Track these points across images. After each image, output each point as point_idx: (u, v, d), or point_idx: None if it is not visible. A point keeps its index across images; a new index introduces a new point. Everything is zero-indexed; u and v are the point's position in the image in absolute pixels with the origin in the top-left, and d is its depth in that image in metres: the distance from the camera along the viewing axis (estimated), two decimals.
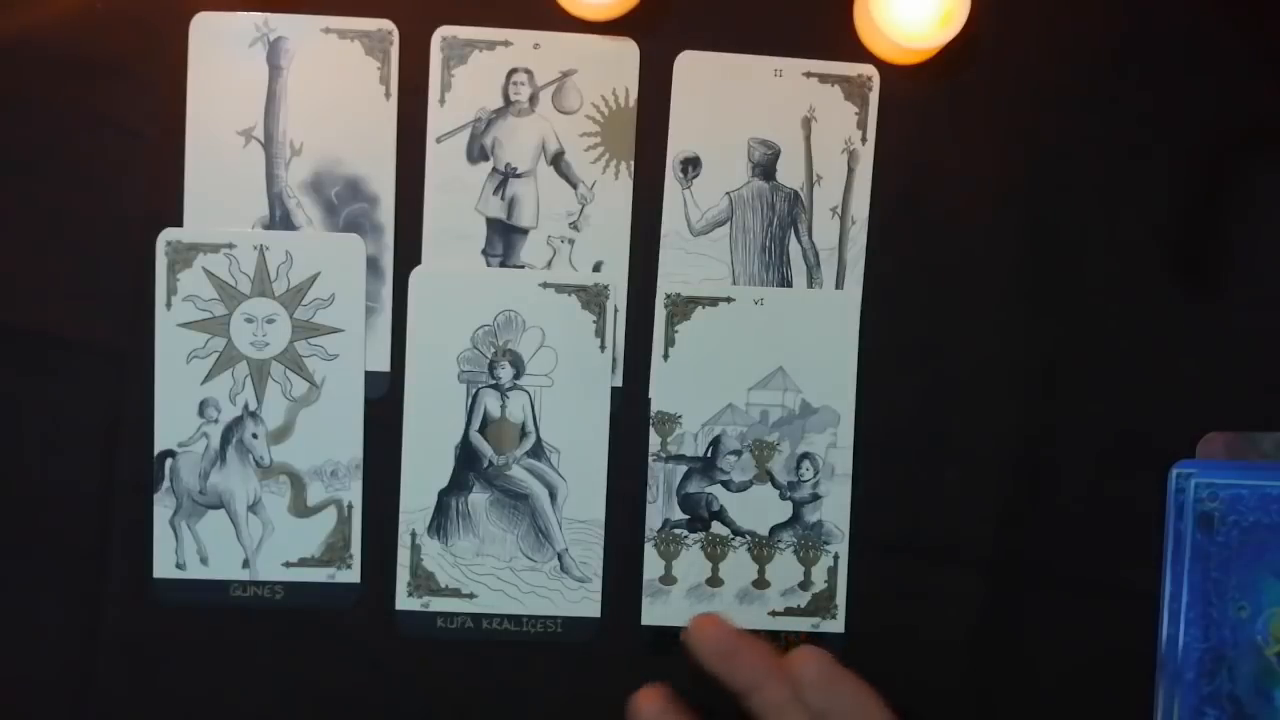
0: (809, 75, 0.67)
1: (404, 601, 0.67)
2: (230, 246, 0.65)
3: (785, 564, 0.68)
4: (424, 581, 0.67)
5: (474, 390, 0.67)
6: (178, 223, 0.65)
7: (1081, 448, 0.68)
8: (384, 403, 0.66)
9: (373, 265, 0.66)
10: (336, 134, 0.66)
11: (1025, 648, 0.68)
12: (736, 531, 0.68)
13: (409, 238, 0.66)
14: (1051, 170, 0.68)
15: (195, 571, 0.66)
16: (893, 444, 0.68)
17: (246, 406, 0.66)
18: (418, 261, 0.66)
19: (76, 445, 0.66)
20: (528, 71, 0.66)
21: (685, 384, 0.67)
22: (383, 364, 0.66)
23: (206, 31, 0.65)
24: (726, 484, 0.68)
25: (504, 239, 0.67)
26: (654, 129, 0.67)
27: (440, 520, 0.67)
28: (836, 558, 0.68)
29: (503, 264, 0.67)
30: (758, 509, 0.68)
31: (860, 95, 0.67)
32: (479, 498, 0.67)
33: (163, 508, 0.66)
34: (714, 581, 0.68)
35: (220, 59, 0.65)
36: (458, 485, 0.67)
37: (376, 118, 0.66)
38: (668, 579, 0.67)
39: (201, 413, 0.66)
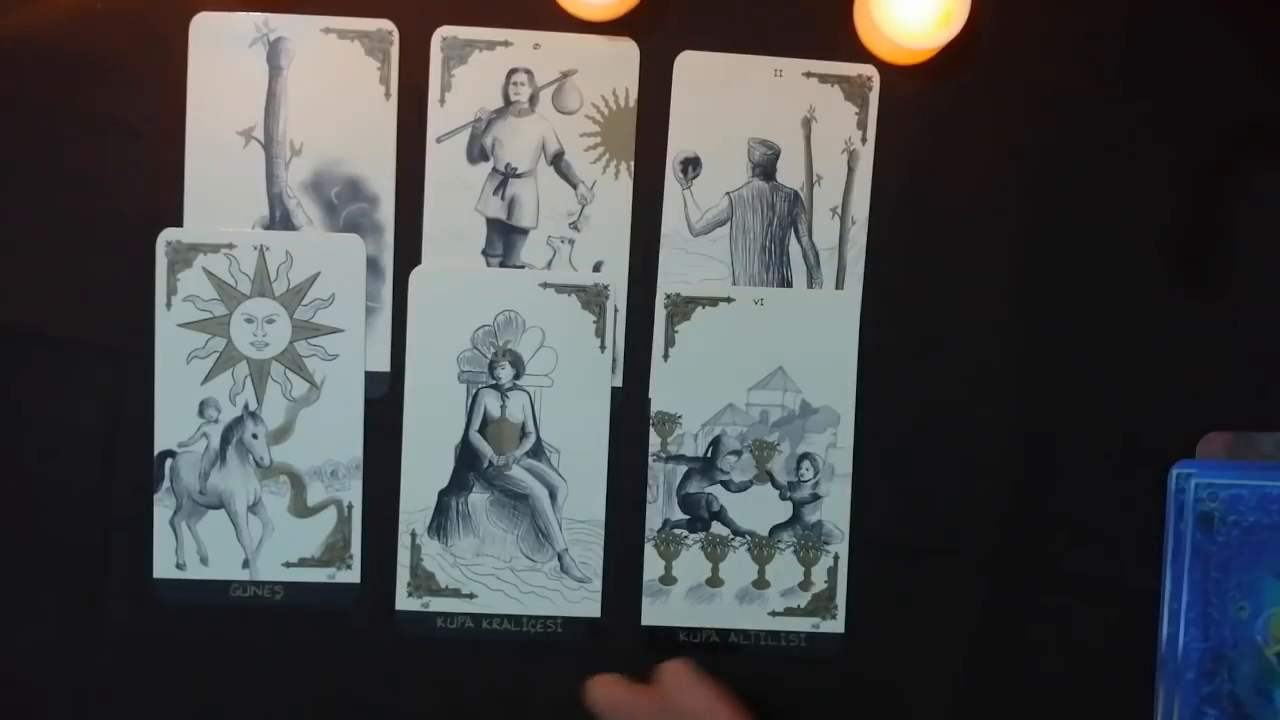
0: (809, 75, 0.67)
1: (404, 601, 0.67)
2: (230, 246, 0.65)
3: (785, 564, 0.68)
4: (424, 581, 0.67)
5: (474, 390, 0.67)
6: (178, 223, 0.65)
7: (1081, 447, 0.68)
8: (384, 403, 0.66)
9: (373, 265, 0.66)
10: (336, 134, 0.66)
11: (1025, 648, 0.68)
12: (736, 531, 0.68)
13: (409, 238, 0.66)
14: (1051, 170, 0.68)
15: (195, 571, 0.66)
16: (893, 444, 0.68)
17: (246, 406, 0.66)
18: (418, 261, 0.66)
19: (76, 445, 0.66)
20: (528, 71, 0.66)
21: (685, 384, 0.67)
22: (383, 364, 0.66)
23: (206, 31, 0.65)
24: (726, 484, 0.68)
25: (504, 239, 0.67)
26: (654, 129, 0.67)
27: (440, 520, 0.67)
28: (836, 558, 0.68)
29: (503, 264, 0.67)
30: (758, 509, 0.68)
31: (860, 95, 0.67)
32: (479, 498, 0.67)
33: (163, 508, 0.66)
34: (714, 581, 0.68)
35: (220, 59, 0.65)
36: (458, 485, 0.67)
37: (376, 118, 0.66)
38: (668, 579, 0.67)
39: (201, 413, 0.66)
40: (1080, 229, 0.68)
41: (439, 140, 0.66)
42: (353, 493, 0.66)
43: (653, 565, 0.67)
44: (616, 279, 0.67)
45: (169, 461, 0.66)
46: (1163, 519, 0.68)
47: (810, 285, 0.68)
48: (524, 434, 0.67)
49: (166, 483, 0.66)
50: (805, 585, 0.68)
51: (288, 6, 0.65)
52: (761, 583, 0.68)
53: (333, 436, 0.66)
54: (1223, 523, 0.67)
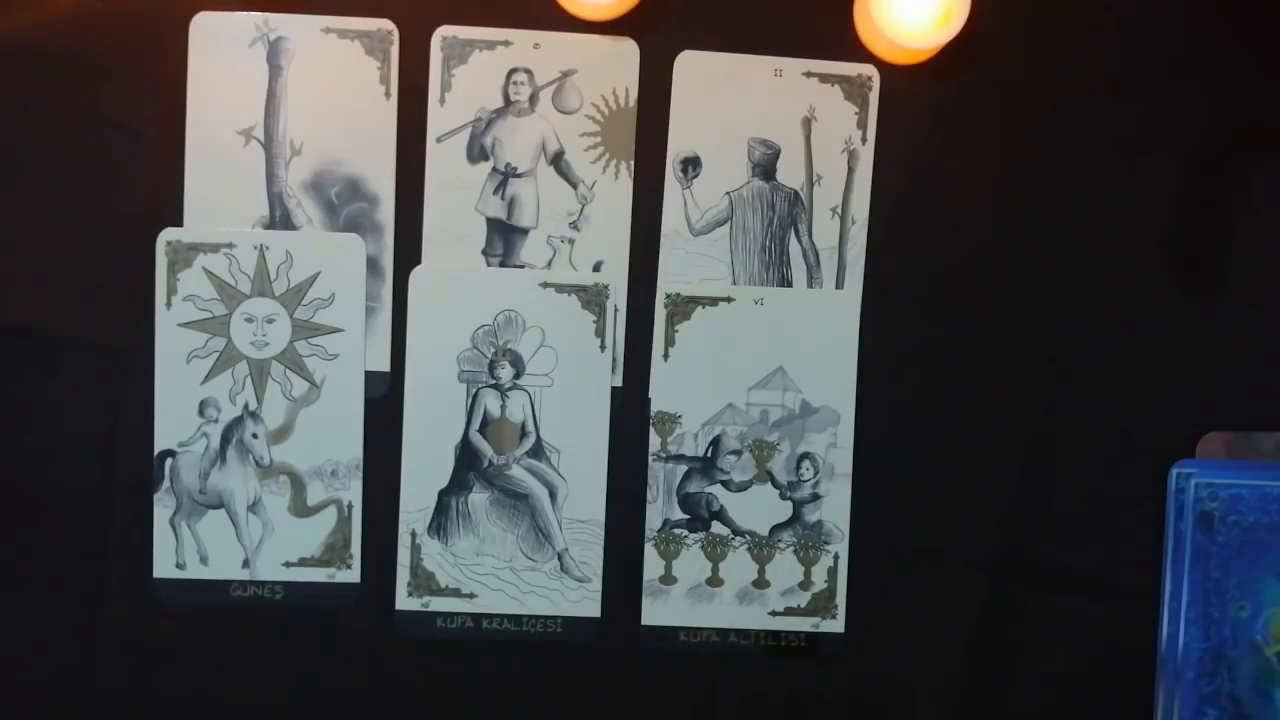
0: (809, 75, 0.67)
1: (404, 601, 0.67)
2: (230, 246, 0.65)
3: (785, 564, 0.68)
4: (424, 581, 0.67)
5: (474, 390, 0.67)
6: (178, 223, 0.65)
7: (1081, 447, 0.68)
8: (384, 403, 0.66)
9: (373, 265, 0.66)
10: (336, 134, 0.66)
11: (1025, 648, 0.68)
12: (736, 531, 0.68)
13: (409, 238, 0.66)
14: (1051, 171, 0.68)
15: (195, 571, 0.66)
16: (893, 444, 0.68)
17: (246, 406, 0.66)
18: (418, 261, 0.66)
19: (76, 445, 0.66)
20: (528, 71, 0.66)
21: (685, 384, 0.67)
22: (383, 364, 0.66)
23: (206, 31, 0.65)
24: (726, 484, 0.68)
25: (504, 239, 0.67)
26: (654, 129, 0.67)
27: (440, 520, 0.67)
28: (836, 558, 0.68)
29: (503, 264, 0.67)
30: (758, 509, 0.68)
31: (860, 95, 0.67)
32: (479, 498, 0.67)
33: (163, 508, 0.66)
34: (714, 581, 0.68)
35: (220, 59, 0.65)
36: (458, 485, 0.67)
37: (376, 118, 0.66)
38: (668, 579, 0.67)
39: (201, 413, 0.66)
40: (1080, 229, 0.68)
41: (439, 140, 0.66)
42: (353, 492, 0.66)
43: (653, 565, 0.67)
44: (616, 279, 0.67)
45: (169, 461, 0.66)
46: (1163, 519, 0.68)
47: (810, 285, 0.68)
48: (524, 434, 0.67)
49: (166, 482, 0.66)
50: (805, 585, 0.68)
51: (288, 6, 0.65)
52: (761, 582, 0.68)
53: (333, 436, 0.66)
54: (1223, 522, 0.67)
